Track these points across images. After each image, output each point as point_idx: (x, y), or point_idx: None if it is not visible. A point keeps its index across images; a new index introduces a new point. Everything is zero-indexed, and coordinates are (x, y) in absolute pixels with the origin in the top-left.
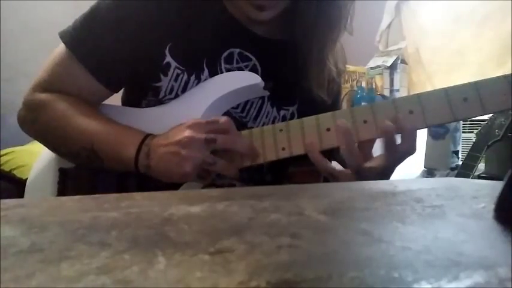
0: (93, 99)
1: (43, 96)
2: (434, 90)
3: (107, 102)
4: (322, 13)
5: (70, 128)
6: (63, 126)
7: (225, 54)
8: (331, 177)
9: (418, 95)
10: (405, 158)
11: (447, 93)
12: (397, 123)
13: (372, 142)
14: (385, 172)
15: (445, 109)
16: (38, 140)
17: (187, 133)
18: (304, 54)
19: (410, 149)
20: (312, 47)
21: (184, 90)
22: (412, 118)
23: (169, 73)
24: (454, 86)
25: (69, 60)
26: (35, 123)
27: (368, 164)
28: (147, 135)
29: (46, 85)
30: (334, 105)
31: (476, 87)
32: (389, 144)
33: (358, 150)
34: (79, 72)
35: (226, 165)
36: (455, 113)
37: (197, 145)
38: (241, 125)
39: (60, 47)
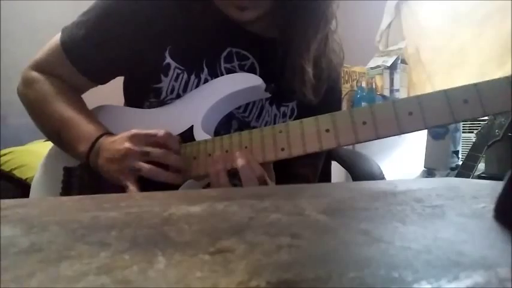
0: (78, 87)
1: (34, 74)
2: (434, 91)
3: (110, 103)
4: (297, 13)
5: (47, 111)
6: (43, 107)
7: (225, 53)
8: None
9: (418, 97)
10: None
11: (447, 95)
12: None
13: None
14: None
15: (445, 111)
16: (29, 113)
17: (126, 145)
18: (287, 50)
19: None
20: (291, 43)
21: (185, 90)
22: (411, 120)
23: (170, 73)
24: (454, 88)
25: (60, 53)
26: (26, 97)
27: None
28: (103, 134)
29: (39, 66)
30: (323, 105)
31: (477, 88)
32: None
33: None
34: (66, 66)
35: (155, 171)
36: (455, 115)
37: (132, 157)
38: (244, 125)
39: (59, 35)
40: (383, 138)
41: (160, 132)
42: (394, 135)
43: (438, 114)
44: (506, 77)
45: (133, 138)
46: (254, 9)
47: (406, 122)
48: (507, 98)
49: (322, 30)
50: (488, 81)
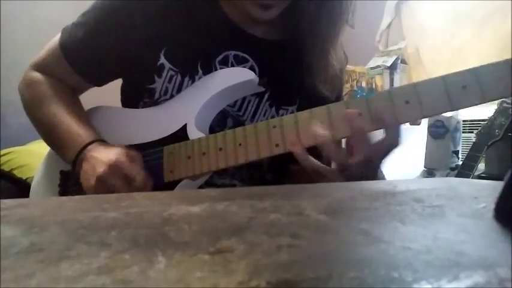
0: (75, 88)
1: (35, 74)
2: (432, 78)
3: (108, 103)
4: (323, 9)
5: (42, 111)
6: (37, 109)
7: (220, 57)
8: (317, 175)
9: (415, 84)
10: (390, 152)
11: (445, 81)
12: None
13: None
14: (369, 167)
15: (443, 98)
16: (26, 113)
17: (101, 171)
18: (308, 51)
19: (393, 143)
20: (315, 42)
21: (179, 91)
22: (408, 109)
23: (163, 74)
24: (452, 73)
25: (59, 54)
26: (23, 97)
27: (352, 160)
28: (91, 142)
29: (39, 66)
30: (336, 101)
31: (476, 73)
32: (360, 141)
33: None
34: (64, 66)
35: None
36: (453, 102)
37: (104, 187)
38: (238, 124)
39: (58, 36)
40: (380, 129)
41: (139, 179)
42: (391, 126)
43: (436, 102)
44: (506, 61)
45: (111, 168)
46: (277, 7)
47: (403, 111)
48: (507, 84)
49: (344, 24)
50: (487, 64)
